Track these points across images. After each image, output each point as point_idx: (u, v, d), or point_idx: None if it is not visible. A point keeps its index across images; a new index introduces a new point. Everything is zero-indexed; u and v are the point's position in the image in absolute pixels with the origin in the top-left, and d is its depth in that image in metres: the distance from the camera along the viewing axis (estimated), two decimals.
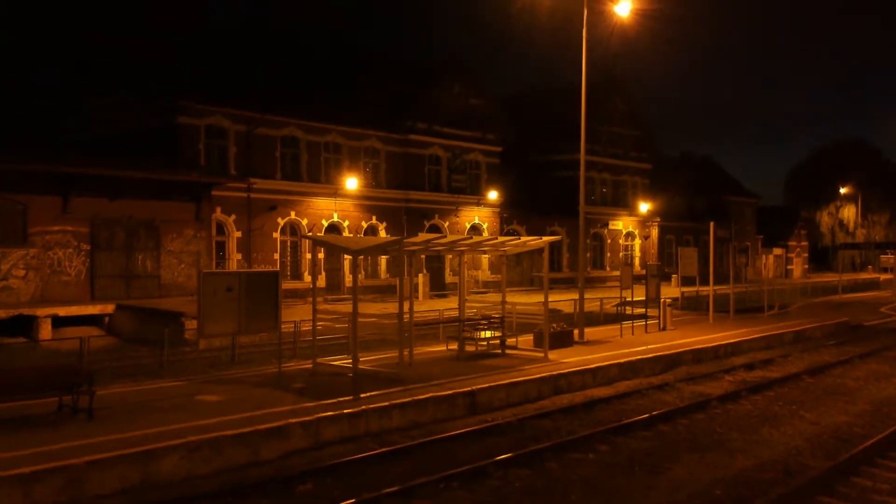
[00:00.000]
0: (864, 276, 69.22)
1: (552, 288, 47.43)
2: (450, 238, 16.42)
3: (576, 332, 20.93)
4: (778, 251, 77.32)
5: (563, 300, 35.24)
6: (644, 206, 57.81)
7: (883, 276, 66.29)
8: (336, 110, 37.67)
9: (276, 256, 35.65)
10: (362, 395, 13.21)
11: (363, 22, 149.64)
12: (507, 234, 46.95)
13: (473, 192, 44.95)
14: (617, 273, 57.61)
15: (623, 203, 57.31)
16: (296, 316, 23.54)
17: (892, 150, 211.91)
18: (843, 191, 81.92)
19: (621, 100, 56.60)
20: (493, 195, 45.04)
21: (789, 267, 77.33)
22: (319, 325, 18.04)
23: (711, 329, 24.61)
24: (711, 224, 27.10)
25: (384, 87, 41.71)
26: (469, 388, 14.02)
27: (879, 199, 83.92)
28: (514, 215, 47.85)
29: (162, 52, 34.29)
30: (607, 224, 54.99)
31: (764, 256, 75.38)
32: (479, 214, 45.32)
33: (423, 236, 16.19)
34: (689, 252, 28.71)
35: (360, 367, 15.22)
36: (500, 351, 18.53)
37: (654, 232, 59.52)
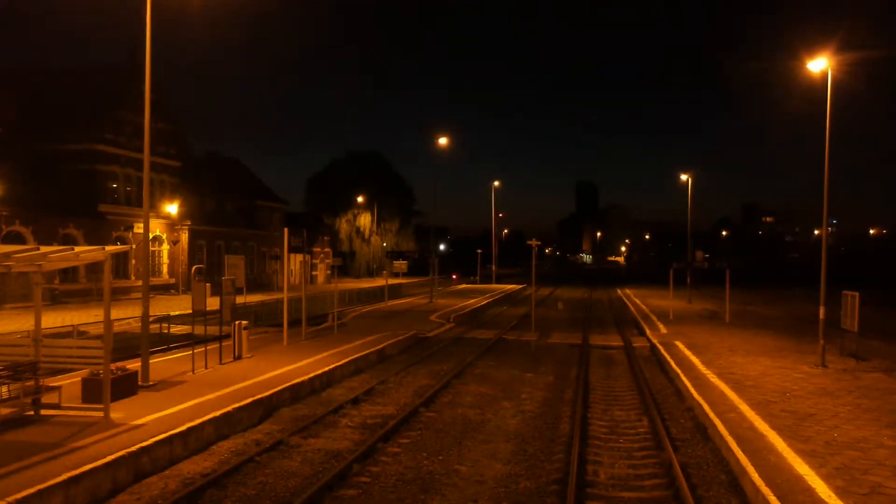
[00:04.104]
0: (380, 281, 72.95)
1: (67, 303, 39.76)
2: None
3: (135, 367, 15.64)
4: (301, 257, 77.74)
5: (92, 322, 28.81)
6: (173, 208, 52.36)
7: (396, 281, 70.41)
8: None
9: None
10: None
11: None
12: (7, 236, 37.67)
13: None
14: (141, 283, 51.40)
15: (150, 203, 50.97)
16: None
17: (401, 163, 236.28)
18: (359, 199, 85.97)
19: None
20: None
21: (314, 273, 78.37)
22: None
23: (290, 353, 21.19)
24: (286, 230, 23.84)
25: None
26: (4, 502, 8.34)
27: (391, 207, 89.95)
28: (16, 213, 38.61)
29: None
30: (132, 227, 48.13)
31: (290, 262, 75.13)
32: None
33: None
34: (236, 260, 25.73)
35: None
36: (33, 413, 12.59)
37: (185, 236, 54.26)
